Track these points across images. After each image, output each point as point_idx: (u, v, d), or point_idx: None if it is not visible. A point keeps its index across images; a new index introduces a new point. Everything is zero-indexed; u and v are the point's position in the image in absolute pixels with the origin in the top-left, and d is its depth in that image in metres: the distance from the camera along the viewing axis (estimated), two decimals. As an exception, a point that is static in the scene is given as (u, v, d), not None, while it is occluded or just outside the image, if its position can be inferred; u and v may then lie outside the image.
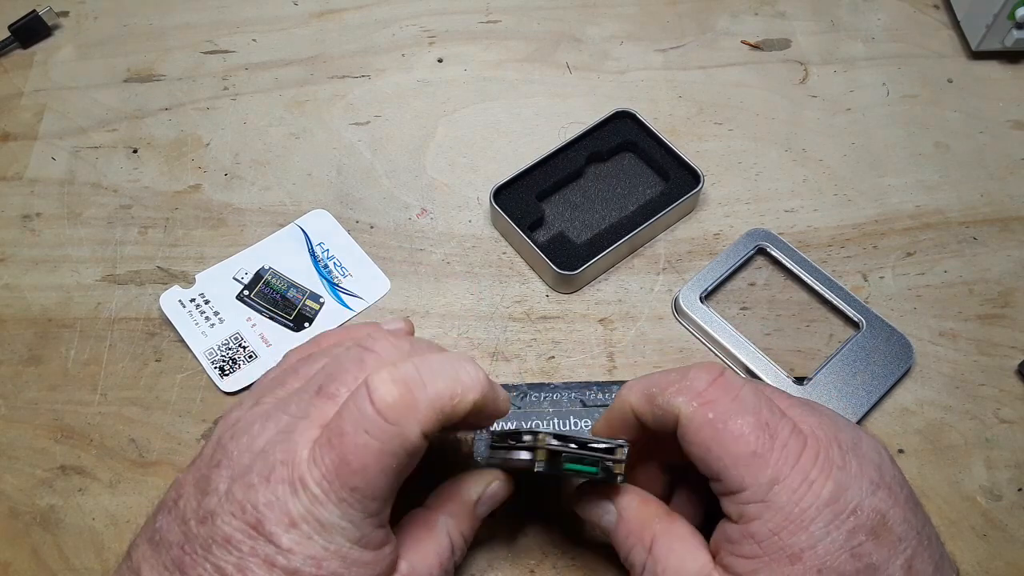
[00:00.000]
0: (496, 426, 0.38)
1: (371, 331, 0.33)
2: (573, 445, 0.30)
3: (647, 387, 0.30)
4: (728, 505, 0.28)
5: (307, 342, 0.35)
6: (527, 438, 0.31)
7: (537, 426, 0.39)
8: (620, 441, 0.31)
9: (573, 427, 0.40)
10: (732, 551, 0.28)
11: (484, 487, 0.33)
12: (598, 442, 0.31)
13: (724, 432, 0.28)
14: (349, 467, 0.26)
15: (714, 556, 0.29)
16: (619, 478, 0.31)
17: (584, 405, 0.40)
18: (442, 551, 0.31)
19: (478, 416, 0.30)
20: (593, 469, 0.30)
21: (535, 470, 0.30)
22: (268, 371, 0.34)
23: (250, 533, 0.26)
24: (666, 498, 0.35)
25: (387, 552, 0.28)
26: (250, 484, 0.27)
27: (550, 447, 0.30)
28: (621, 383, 0.39)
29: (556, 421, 0.40)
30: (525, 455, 0.31)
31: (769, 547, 0.27)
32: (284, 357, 0.34)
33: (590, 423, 0.40)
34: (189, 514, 0.27)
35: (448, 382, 0.28)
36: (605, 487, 0.33)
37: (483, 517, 0.34)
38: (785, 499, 0.27)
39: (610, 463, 0.30)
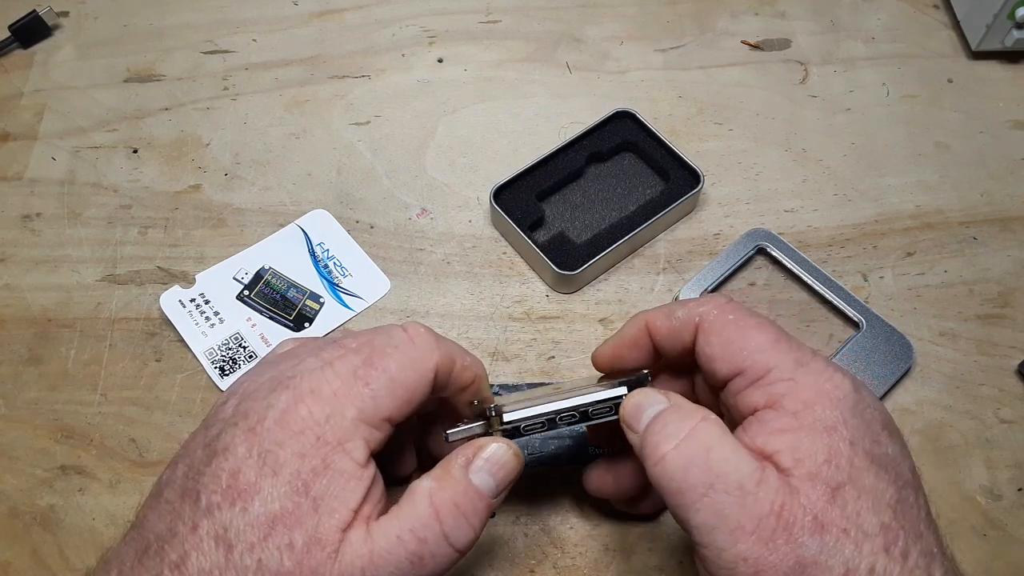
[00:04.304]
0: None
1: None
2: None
3: (661, 309, 0.33)
4: (755, 395, 0.29)
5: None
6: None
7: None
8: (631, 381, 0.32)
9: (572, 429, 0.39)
10: (766, 432, 0.28)
11: (475, 449, 0.30)
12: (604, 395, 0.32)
13: (745, 326, 0.30)
14: (372, 367, 0.29)
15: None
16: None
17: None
18: (417, 515, 0.28)
19: (469, 394, 0.33)
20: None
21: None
22: None
23: (247, 436, 0.27)
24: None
25: (366, 476, 0.28)
26: (251, 397, 0.29)
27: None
28: None
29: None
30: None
31: (804, 417, 0.28)
32: (279, 344, 0.34)
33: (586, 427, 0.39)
34: (197, 448, 0.29)
35: (461, 351, 0.32)
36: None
37: (485, 486, 0.29)
38: (812, 379, 0.28)
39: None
